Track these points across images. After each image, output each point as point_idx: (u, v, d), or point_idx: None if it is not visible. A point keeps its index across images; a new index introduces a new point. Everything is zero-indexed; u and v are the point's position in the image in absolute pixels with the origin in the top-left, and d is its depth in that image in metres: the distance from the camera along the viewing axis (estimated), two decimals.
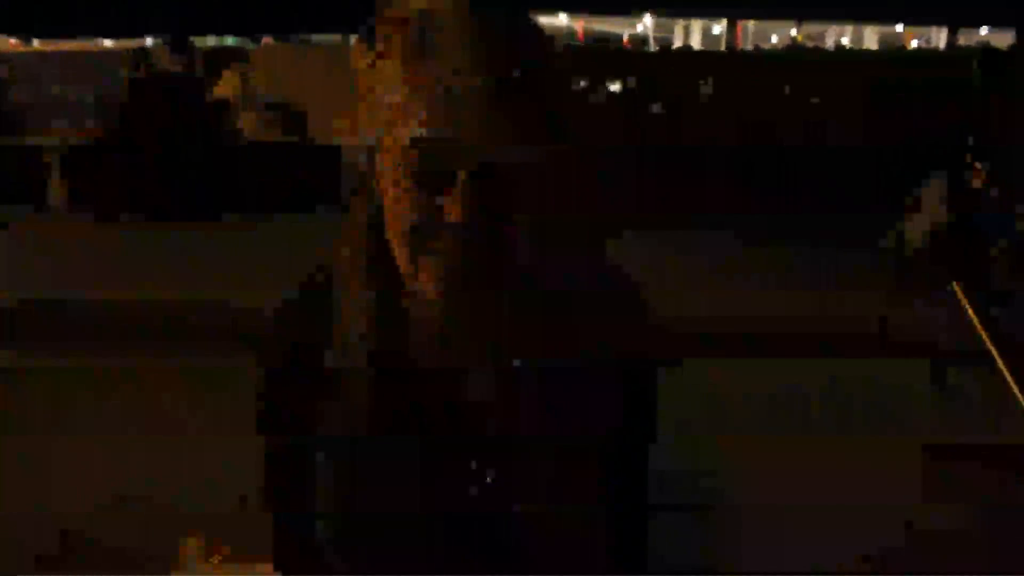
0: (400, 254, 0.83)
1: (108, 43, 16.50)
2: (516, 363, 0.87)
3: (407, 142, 0.78)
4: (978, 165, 5.03)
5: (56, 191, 8.95)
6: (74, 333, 4.85)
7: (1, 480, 3.32)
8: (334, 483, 0.90)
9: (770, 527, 2.94)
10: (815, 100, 9.39)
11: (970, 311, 3.85)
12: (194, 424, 3.74)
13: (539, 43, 0.81)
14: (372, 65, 0.80)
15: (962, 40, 16.05)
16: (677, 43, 20.86)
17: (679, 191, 8.22)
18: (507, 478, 0.87)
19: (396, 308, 0.88)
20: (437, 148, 0.76)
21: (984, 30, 17.03)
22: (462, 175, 0.77)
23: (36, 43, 16.88)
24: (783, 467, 3.43)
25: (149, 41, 12.66)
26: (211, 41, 15.35)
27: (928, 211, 4.89)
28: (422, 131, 0.76)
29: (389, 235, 0.83)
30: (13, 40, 16.86)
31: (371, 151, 0.84)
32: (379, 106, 0.80)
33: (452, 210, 0.77)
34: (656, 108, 9.31)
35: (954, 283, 3.95)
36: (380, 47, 0.80)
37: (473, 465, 0.87)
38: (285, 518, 0.95)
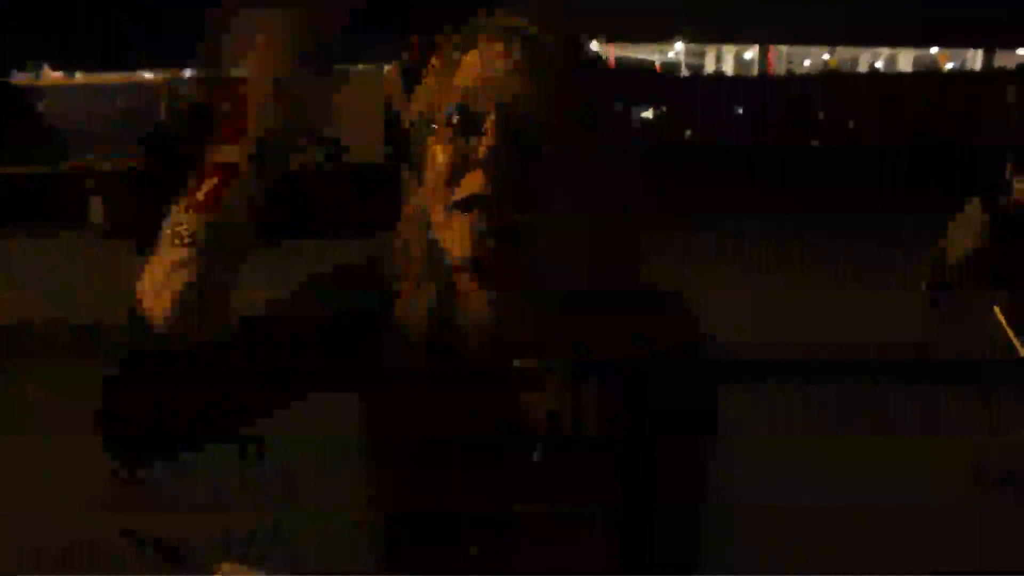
0: (434, 207, 0.86)
1: (148, 75, 16.89)
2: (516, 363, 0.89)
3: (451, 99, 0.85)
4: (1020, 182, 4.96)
5: (97, 216, 9.12)
6: None
7: None
8: (384, 481, 0.92)
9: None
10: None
11: (1010, 332, 3.78)
12: None
13: (577, 44, 0.89)
14: (419, 70, 0.91)
15: (998, 61, 15.92)
16: (709, 69, 20.90)
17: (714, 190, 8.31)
18: (560, 478, 0.88)
19: (449, 299, 0.90)
20: (470, 98, 0.84)
21: (1022, 50, 16.89)
22: (490, 120, 0.82)
23: (79, 75, 17.32)
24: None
25: (187, 72, 12.95)
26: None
27: (970, 228, 4.83)
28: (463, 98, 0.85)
29: (429, 194, 0.87)
30: (57, 73, 17.31)
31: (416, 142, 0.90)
32: (428, 89, 0.88)
33: (480, 147, 0.82)
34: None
35: (995, 306, 3.89)
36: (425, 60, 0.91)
37: (528, 460, 0.87)
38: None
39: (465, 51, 0.87)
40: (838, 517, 3.12)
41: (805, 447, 3.68)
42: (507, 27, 0.87)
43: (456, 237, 0.83)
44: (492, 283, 0.85)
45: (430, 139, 0.87)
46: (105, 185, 9.24)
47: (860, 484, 3.39)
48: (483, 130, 0.83)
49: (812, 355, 4.52)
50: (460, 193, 0.83)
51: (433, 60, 0.90)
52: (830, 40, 20.70)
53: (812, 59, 21.51)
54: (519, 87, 0.84)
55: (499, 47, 0.86)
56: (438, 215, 0.85)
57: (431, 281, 0.90)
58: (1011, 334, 3.67)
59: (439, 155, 0.85)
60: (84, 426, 0.85)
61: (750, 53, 21.83)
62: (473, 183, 0.82)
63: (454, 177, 0.83)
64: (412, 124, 0.91)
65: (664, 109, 10.00)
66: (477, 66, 0.86)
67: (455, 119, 0.85)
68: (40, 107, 10.48)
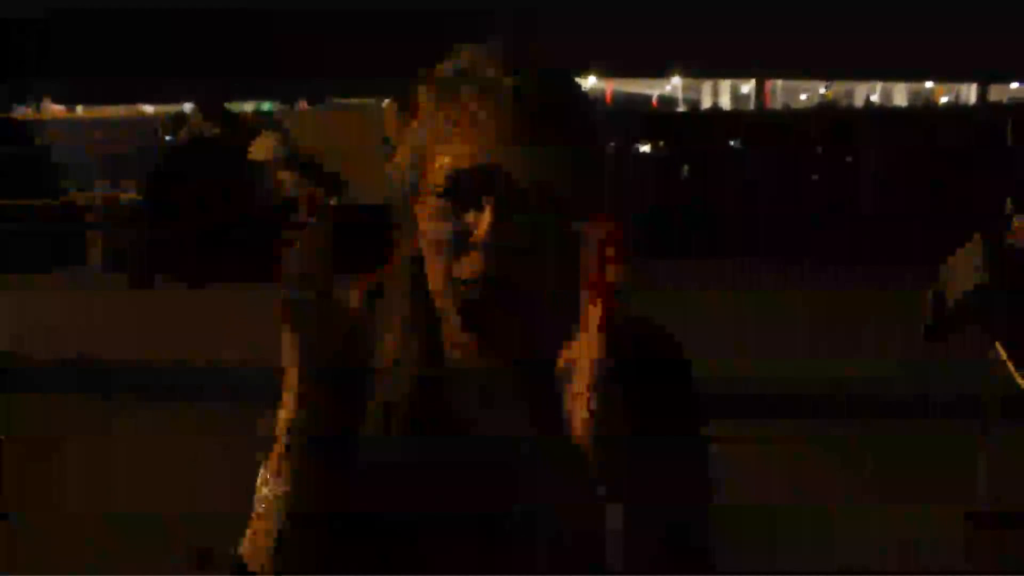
0: (432, 273, 0.82)
1: (147, 108, 16.99)
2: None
3: (443, 167, 0.79)
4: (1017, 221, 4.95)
5: (95, 251, 9.10)
6: None
7: None
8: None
9: None
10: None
11: (1013, 371, 3.77)
12: None
13: (581, 98, 0.83)
14: (413, 109, 0.83)
15: (993, 95, 16.02)
16: (706, 103, 21.03)
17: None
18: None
19: (437, 350, 0.85)
20: (469, 171, 0.78)
21: (1015, 84, 17.01)
22: (487, 204, 0.78)
23: (79, 109, 17.42)
24: None
25: (187, 106, 12.99)
26: (247, 106, 15.72)
27: (969, 269, 4.82)
28: (459, 159, 0.79)
29: (424, 254, 0.82)
30: (57, 106, 17.40)
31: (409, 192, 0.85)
32: (420, 138, 0.83)
33: (480, 228, 0.77)
34: None
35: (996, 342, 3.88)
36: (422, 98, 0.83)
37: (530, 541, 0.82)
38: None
39: (443, 102, 0.80)
40: None
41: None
42: (494, 76, 0.78)
43: (456, 309, 0.79)
44: (493, 351, 0.80)
45: (419, 208, 0.82)
46: (104, 218, 9.24)
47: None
48: (481, 206, 0.77)
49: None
50: (459, 272, 0.78)
51: (417, 108, 0.84)
52: (826, 74, 20.86)
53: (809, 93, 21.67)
54: (518, 159, 0.77)
55: (488, 104, 0.77)
56: (436, 286, 0.81)
57: (414, 343, 0.84)
58: (1012, 369, 3.66)
59: (430, 229, 0.80)
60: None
61: (746, 87, 21.97)
62: (474, 264, 0.78)
63: (450, 252, 0.79)
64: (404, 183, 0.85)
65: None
66: (463, 130, 0.78)
67: (444, 193, 0.79)
68: (41, 140, 10.52)
